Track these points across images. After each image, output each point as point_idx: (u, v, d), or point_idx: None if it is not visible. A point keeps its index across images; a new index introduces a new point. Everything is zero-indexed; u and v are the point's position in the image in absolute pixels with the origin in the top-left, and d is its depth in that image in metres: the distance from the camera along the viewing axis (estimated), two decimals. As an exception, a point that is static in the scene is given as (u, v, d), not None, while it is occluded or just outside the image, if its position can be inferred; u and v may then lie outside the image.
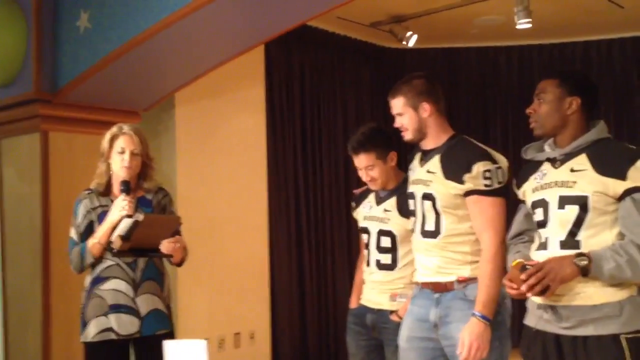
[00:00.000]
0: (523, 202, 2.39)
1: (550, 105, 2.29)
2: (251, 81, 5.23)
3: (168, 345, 1.88)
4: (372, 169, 3.00)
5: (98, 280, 2.96)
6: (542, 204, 2.24)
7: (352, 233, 5.84)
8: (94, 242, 2.93)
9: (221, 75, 4.55)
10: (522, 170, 2.41)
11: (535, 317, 2.25)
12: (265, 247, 5.28)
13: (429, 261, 2.60)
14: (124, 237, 2.81)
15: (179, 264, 3.09)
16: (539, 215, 2.26)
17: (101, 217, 2.97)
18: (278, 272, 5.32)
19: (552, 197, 2.21)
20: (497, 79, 6.51)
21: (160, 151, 4.63)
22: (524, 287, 2.08)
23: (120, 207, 2.88)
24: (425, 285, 2.63)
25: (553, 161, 2.27)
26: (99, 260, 2.96)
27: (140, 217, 2.81)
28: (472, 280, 2.51)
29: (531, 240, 2.36)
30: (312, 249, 5.59)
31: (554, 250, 2.17)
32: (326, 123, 5.81)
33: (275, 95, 5.42)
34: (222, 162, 5.00)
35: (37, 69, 3.88)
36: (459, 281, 2.53)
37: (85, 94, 3.96)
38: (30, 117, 4.01)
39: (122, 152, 2.96)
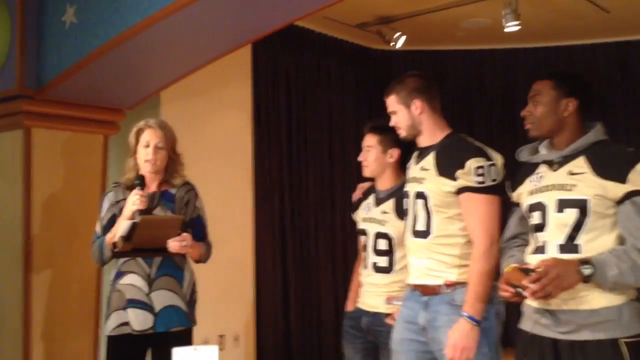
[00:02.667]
0: (517, 205, 2.37)
1: (546, 107, 2.26)
2: (238, 80, 5.18)
3: (177, 353, 1.83)
4: (369, 150, 3.01)
5: (119, 275, 2.99)
6: (540, 207, 2.22)
7: (337, 234, 5.83)
8: (111, 236, 2.94)
9: (207, 74, 4.50)
10: (516, 172, 2.38)
11: (532, 322, 2.22)
12: (250, 248, 5.23)
13: (419, 262, 2.57)
14: (125, 238, 2.83)
15: (199, 261, 3.09)
16: (536, 218, 2.23)
17: (136, 214, 2.92)
18: (262, 274, 5.27)
19: (550, 200, 2.19)
20: (482, 82, 6.53)
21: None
22: (526, 293, 2.05)
23: (132, 202, 2.88)
24: (415, 287, 2.60)
25: (550, 164, 2.25)
26: (119, 256, 2.96)
27: (137, 219, 2.80)
28: (460, 284, 2.47)
29: (525, 244, 2.33)
30: (297, 251, 5.55)
31: (553, 254, 2.14)
32: (312, 123, 5.77)
33: (262, 95, 5.37)
34: (207, 161, 4.93)
35: (21, 64, 3.80)
36: (447, 285, 2.49)
37: (70, 90, 3.88)
38: (13, 113, 3.92)
39: (147, 146, 2.97)
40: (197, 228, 3.05)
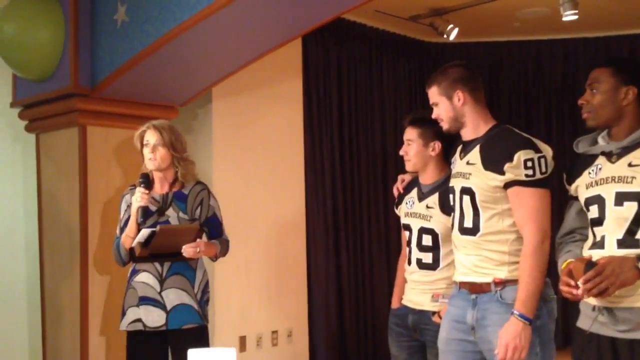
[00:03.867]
0: (575, 198, 2.27)
1: (605, 96, 2.16)
2: (288, 75, 5.16)
3: (192, 354, 1.83)
4: (410, 143, 2.96)
5: (133, 272, 3.14)
6: (598, 200, 2.12)
7: (390, 228, 5.77)
8: (124, 235, 3.10)
9: (258, 69, 4.51)
10: (574, 164, 2.28)
11: (590, 320, 2.13)
12: (303, 243, 5.21)
13: (466, 259, 2.48)
14: (143, 245, 2.99)
15: (217, 259, 3.21)
16: (593, 212, 2.14)
17: (139, 211, 3.07)
18: (315, 269, 5.25)
19: (608, 193, 2.09)
20: (540, 74, 6.34)
21: (197, 146, 4.60)
22: (579, 292, 1.96)
23: (135, 199, 3.04)
24: (462, 285, 2.51)
25: (609, 155, 2.15)
26: (137, 260, 3.11)
27: (157, 227, 2.96)
28: (509, 282, 2.37)
29: (583, 239, 2.24)
30: (350, 245, 5.51)
31: (611, 249, 2.05)
32: (363, 117, 5.72)
33: (313, 89, 5.35)
34: (259, 156, 4.95)
35: (75, 63, 3.86)
36: (496, 283, 2.39)
37: (122, 88, 3.94)
38: (69, 111, 3.99)
39: (147, 145, 3.12)
40: (212, 226, 3.18)
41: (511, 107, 6.28)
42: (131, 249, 3.07)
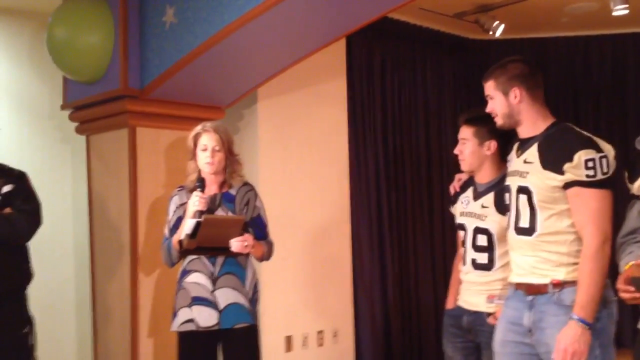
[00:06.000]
0: (637, 197, 2.21)
1: None
2: (333, 75, 5.15)
3: None
4: (465, 142, 2.92)
5: (184, 273, 3.12)
6: (662, 199, 2.07)
7: (435, 229, 5.72)
8: (177, 237, 3.09)
9: (303, 69, 4.51)
10: (636, 162, 2.22)
11: (653, 322, 2.08)
12: (348, 243, 5.19)
13: (523, 260, 2.42)
14: (190, 236, 2.97)
15: (262, 260, 3.20)
16: (657, 212, 2.08)
17: (196, 215, 3.05)
18: (360, 269, 5.23)
19: (673, 192, 2.03)
20: (589, 71, 6.20)
21: (242, 147, 4.61)
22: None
23: (192, 203, 3.03)
24: (518, 286, 2.46)
25: (674, 153, 2.09)
26: (184, 253, 3.10)
27: (201, 218, 2.94)
28: (568, 284, 2.31)
29: (646, 240, 2.18)
30: (394, 245, 5.47)
31: (677, 250, 1.99)
32: (408, 117, 5.67)
33: (357, 89, 5.32)
34: (304, 156, 4.94)
35: (124, 65, 3.91)
36: (554, 284, 2.33)
37: (170, 89, 3.97)
38: (118, 113, 4.04)
39: (205, 150, 3.10)
40: (257, 227, 3.16)
41: (558, 104, 6.14)
42: (180, 243, 3.06)
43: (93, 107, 4.18)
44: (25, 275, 3.25)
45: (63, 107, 4.40)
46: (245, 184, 3.21)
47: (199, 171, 3.14)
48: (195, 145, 3.14)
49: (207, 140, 3.10)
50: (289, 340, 4.80)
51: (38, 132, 4.65)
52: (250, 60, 3.97)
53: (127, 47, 3.92)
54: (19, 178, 3.25)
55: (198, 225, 2.94)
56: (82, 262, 4.55)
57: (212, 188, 3.17)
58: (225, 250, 3.02)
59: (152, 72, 3.90)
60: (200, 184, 3.07)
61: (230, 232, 3.00)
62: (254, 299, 3.15)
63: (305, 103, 4.96)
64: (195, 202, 3.02)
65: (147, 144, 4.07)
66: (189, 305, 3.05)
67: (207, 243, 3.01)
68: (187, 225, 2.98)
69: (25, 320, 3.21)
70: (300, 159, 4.93)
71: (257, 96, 4.67)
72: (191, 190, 3.13)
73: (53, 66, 4.16)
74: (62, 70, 4.16)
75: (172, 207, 3.19)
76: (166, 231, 3.19)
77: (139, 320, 3.97)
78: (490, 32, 5.51)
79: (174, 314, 3.12)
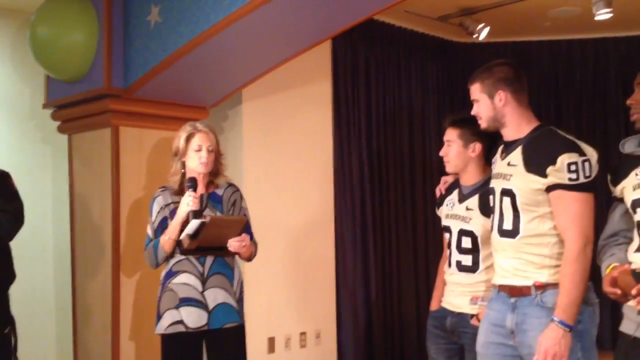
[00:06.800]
0: (619, 200, 2.23)
1: None
2: (318, 76, 5.15)
3: None
4: (450, 144, 2.93)
5: (170, 274, 3.08)
6: (645, 202, 2.08)
7: (418, 231, 5.73)
8: (165, 238, 3.05)
9: (288, 70, 4.51)
10: (619, 165, 2.24)
11: (635, 324, 2.09)
12: (331, 244, 5.19)
13: (506, 262, 2.44)
14: (192, 237, 2.94)
15: (248, 259, 3.19)
16: (640, 214, 2.10)
17: (174, 213, 3.06)
18: (343, 270, 5.23)
19: (656, 195, 2.05)
20: (571, 74, 6.24)
21: (227, 147, 4.59)
22: (634, 301, 1.91)
23: (186, 203, 2.99)
24: (501, 288, 2.47)
25: (657, 156, 2.10)
26: (171, 255, 3.07)
27: (206, 218, 2.91)
28: (550, 286, 2.33)
29: (627, 242, 2.19)
30: (378, 247, 5.47)
31: (659, 254, 2.01)
32: (392, 119, 5.69)
33: (342, 90, 5.33)
34: (288, 157, 4.94)
35: (108, 64, 3.88)
36: (536, 287, 2.35)
37: (155, 89, 3.95)
38: (101, 112, 4.01)
39: (199, 150, 3.07)
40: (245, 228, 3.13)
41: (541, 106, 6.18)
42: (178, 243, 3.02)
43: (75, 106, 4.15)
44: (7, 275, 3.21)
45: (45, 106, 4.36)
46: (230, 184, 3.21)
47: (184, 172, 3.11)
48: (187, 145, 3.09)
49: (202, 141, 3.07)
50: (271, 341, 4.79)
51: (18, 132, 4.60)
52: (235, 61, 3.96)
53: (111, 45, 3.89)
54: (2, 178, 3.21)
55: (202, 226, 2.91)
56: (62, 263, 4.51)
57: (199, 188, 3.14)
58: (222, 249, 3.01)
59: (136, 71, 3.87)
60: (193, 183, 3.04)
61: (230, 232, 2.99)
62: (240, 299, 3.14)
63: (290, 104, 4.96)
64: (189, 202, 2.97)
65: (130, 143, 4.05)
66: (176, 307, 3.01)
67: (207, 243, 2.99)
68: (190, 226, 2.94)
69: (7, 320, 3.18)
70: (284, 159, 4.93)
71: (241, 97, 4.66)
72: (177, 192, 3.10)
73: (34, 65, 4.12)
74: (44, 68, 4.12)
75: (156, 207, 3.13)
76: (150, 232, 3.14)
77: (120, 321, 3.94)
78: (475, 35, 5.54)
79: (159, 316, 3.07)
